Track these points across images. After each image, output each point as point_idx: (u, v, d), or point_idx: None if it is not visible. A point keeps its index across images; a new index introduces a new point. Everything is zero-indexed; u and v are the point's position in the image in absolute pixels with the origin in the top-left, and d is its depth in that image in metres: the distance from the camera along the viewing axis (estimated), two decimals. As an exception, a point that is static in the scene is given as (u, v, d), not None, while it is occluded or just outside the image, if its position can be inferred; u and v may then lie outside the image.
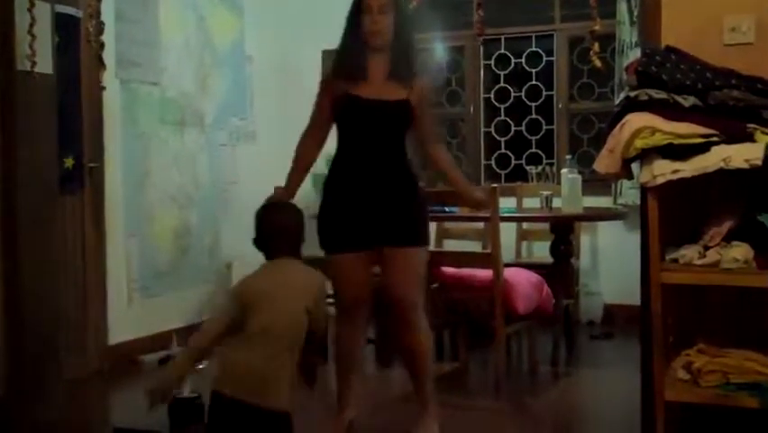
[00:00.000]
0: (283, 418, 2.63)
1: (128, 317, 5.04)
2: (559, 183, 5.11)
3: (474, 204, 3.71)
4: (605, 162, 2.74)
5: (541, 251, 5.62)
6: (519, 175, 6.40)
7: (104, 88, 4.59)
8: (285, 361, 2.62)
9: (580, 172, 5.01)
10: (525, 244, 6.04)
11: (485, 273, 4.41)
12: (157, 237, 5.33)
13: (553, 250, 5.00)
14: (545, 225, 5.30)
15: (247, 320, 2.62)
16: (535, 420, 3.98)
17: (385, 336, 4.07)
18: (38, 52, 3.71)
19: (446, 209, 4.90)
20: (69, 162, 4.56)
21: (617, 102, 2.90)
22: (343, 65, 3.46)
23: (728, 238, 2.62)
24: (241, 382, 2.59)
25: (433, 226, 5.55)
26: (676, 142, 2.55)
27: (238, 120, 6.11)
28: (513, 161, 6.57)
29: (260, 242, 2.80)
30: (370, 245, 3.42)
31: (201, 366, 4.01)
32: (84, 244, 4.77)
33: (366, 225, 3.41)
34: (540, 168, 6.11)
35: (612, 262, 5.85)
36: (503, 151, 6.60)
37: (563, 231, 5.00)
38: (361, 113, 3.44)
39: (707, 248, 2.63)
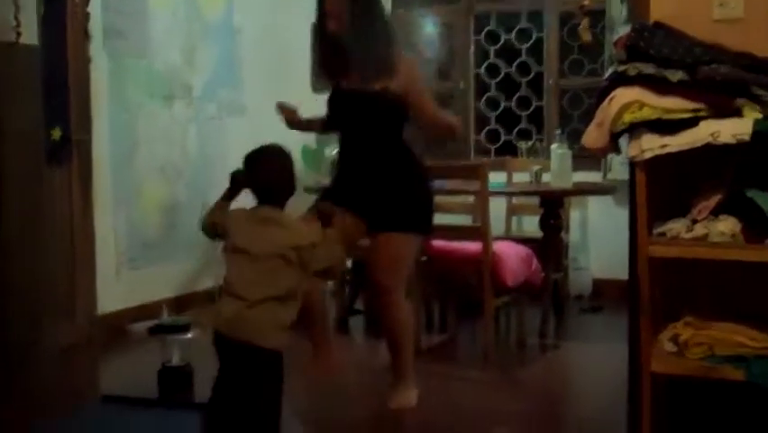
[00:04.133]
0: (272, 356, 2.62)
1: (117, 287, 5.05)
2: (549, 158, 5.12)
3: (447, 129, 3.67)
4: (593, 136, 2.74)
5: (530, 225, 5.64)
6: (509, 150, 6.41)
7: (90, 60, 4.56)
8: (273, 306, 2.61)
9: (569, 148, 5.02)
10: (514, 218, 6.06)
11: (474, 246, 4.43)
12: (145, 210, 5.32)
13: (543, 224, 5.02)
14: (535, 200, 5.32)
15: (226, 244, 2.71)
16: (523, 391, 4.02)
17: (372, 308, 4.12)
18: (23, 23, 3.68)
19: (435, 183, 4.89)
20: (56, 134, 4.55)
21: (605, 76, 2.90)
22: (317, 57, 3.50)
23: (716, 212, 2.63)
24: (230, 322, 2.60)
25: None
26: (664, 116, 2.55)
27: (227, 93, 6.08)
28: (503, 137, 6.57)
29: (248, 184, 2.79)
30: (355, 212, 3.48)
31: (189, 335, 4.05)
32: (72, 216, 4.76)
33: (352, 196, 3.49)
34: (530, 143, 6.11)
35: (601, 237, 5.88)
36: (493, 126, 6.60)
37: (553, 205, 5.01)
38: (343, 105, 3.49)
39: (694, 222, 2.64)
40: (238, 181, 2.85)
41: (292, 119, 3.67)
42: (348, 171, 3.60)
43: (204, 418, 2.70)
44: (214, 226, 2.84)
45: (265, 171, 2.76)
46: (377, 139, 3.51)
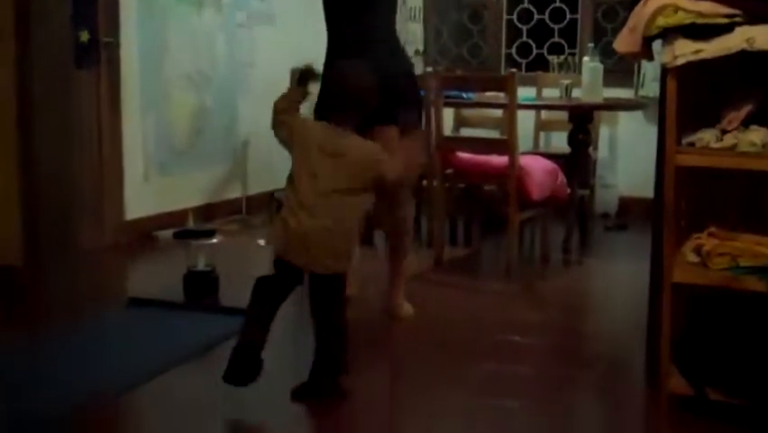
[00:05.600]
0: (329, 279, 2.71)
1: (145, 193, 5.09)
2: (580, 74, 5.03)
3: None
4: (625, 41, 2.69)
5: (559, 142, 5.58)
6: (541, 65, 6.30)
7: (118, -39, 4.51)
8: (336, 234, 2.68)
9: (602, 62, 4.93)
10: (543, 134, 6.00)
11: (500, 160, 4.40)
12: (173, 116, 5.32)
13: (571, 139, 4.96)
14: (564, 116, 5.25)
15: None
16: (543, 303, 4.04)
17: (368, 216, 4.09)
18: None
19: (464, 95, 4.85)
20: (84, 36, 4.54)
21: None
22: None
23: (747, 123, 2.58)
24: (290, 246, 2.67)
25: (449, 114, 5.52)
26: (699, 21, 2.48)
27: (256, 1, 6.01)
28: (534, 50, 6.46)
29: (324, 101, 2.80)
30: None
31: (214, 240, 4.09)
32: (100, 121, 4.78)
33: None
34: (562, 57, 5.99)
35: (630, 154, 5.80)
36: (525, 39, 6.48)
37: (582, 120, 4.94)
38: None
39: (724, 132, 2.59)
40: (306, 79, 2.81)
41: None
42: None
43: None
44: (283, 126, 2.79)
45: (353, 87, 2.76)
46: (371, 30, 3.45)
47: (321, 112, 3.15)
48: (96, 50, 4.63)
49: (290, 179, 2.74)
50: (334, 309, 2.75)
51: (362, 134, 3.07)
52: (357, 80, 2.80)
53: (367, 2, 3.44)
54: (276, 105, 2.80)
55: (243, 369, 2.69)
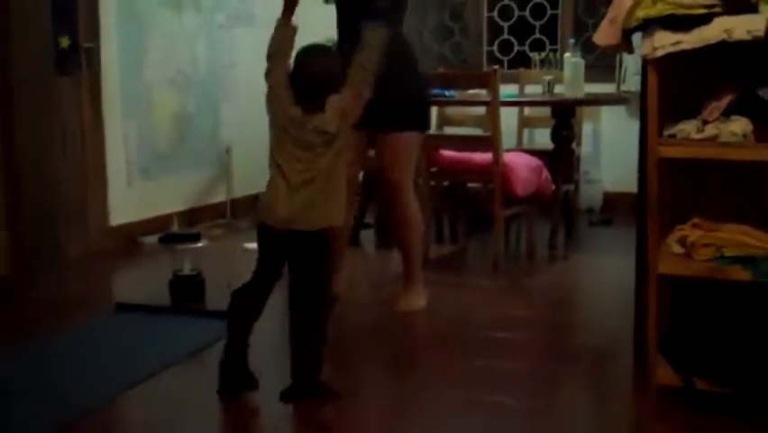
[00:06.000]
0: (316, 236, 2.68)
1: (128, 198, 5.07)
2: (562, 69, 5.05)
3: None
4: (605, 34, 2.70)
5: (542, 138, 5.60)
6: (522, 61, 6.32)
7: (97, -34, 4.49)
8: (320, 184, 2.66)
9: (583, 58, 4.95)
10: (526, 131, 6.01)
11: (484, 157, 4.41)
12: (155, 120, 5.30)
13: (554, 135, 4.98)
14: (547, 112, 5.26)
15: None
16: (530, 298, 4.04)
17: (383, 219, 4.14)
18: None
19: (446, 93, 4.85)
20: (65, 42, 4.52)
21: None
22: None
23: (728, 113, 2.60)
24: (278, 201, 2.65)
25: (432, 112, 5.50)
26: (678, 12, 2.50)
27: (236, 2, 6.00)
28: (516, 47, 6.47)
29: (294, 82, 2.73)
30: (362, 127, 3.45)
31: (200, 244, 4.07)
32: (82, 126, 4.76)
33: None
34: (543, 54, 6.02)
35: (614, 150, 5.82)
36: (506, 36, 6.50)
37: (564, 116, 4.96)
38: None
39: (705, 123, 2.61)
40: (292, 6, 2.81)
41: None
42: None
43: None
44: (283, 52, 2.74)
45: (317, 70, 2.69)
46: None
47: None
48: (76, 55, 4.61)
49: (272, 146, 2.72)
50: (318, 290, 2.71)
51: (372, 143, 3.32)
52: (318, 63, 2.72)
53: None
54: (268, 50, 2.75)
55: (234, 381, 2.74)
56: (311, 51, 2.71)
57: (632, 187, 3.08)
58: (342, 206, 2.74)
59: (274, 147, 2.70)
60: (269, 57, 2.74)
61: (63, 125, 4.57)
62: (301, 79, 2.67)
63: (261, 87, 2.74)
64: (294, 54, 2.72)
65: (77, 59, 4.63)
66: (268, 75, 2.74)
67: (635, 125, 2.99)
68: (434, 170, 4.66)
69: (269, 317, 2.82)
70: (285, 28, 2.79)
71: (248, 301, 2.76)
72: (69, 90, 4.65)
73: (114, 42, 4.94)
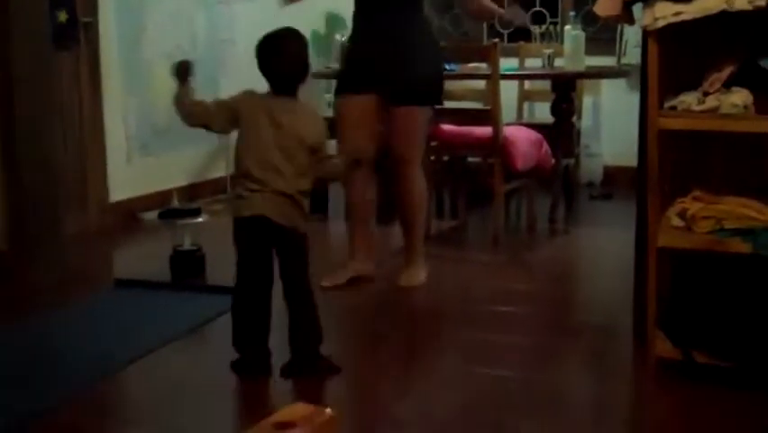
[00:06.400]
0: (297, 236, 2.71)
1: (128, 174, 5.05)
2: (563, 43, 5.01)
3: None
4: (606, 4, 2.67)
5: (543, 112, 5.57)
6: (523, 35, 6.26)
7: (95, -62, 4.46)
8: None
9: (584, 30, 4.91)
10: (526, 104, 5.98)
11: (484, 130, 4.39)
12: (154, 95, 5.27)
13: (554, 109, 4.96)
14: (547, 86, 5.23)
15: (240, 133, 2.77)
16: (531, 272, 4.05)
17: (385, 195, 4.13)
18: None
19: (446, 67, 4.81)
20: (63, 16, 4.49)
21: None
22: None
23: (729, 84, 2.58)
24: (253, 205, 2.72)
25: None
26: (679, -18, 2.48)
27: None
28: (516, 21, 6.42)
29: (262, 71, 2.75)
30: (369, 89, 3.55)
31: (200, 219, 4.07)
32: (81, 102, 4.73)
33: (367, 70, 3.57)
34: (544, 27, 5.98)
35: (614, 123, 5.79)
36: (506, 10, 6.45)
37: (565, 90, 4.94)
38: None
39: (706, 94, 2.59)
40: (185, 73, 2.84)
41: None
42: (364, 47, 3.61)
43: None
44: (194, 116, 2.83)
45: (280, 58, 2.70)
46: (398, 11, 3.53)
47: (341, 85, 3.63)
48: (74, 30, 4.58)
49: (238, 155, 2.78)
50: (303, 273, 2.73)
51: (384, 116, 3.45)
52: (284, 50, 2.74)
53: None
54: (177, 104, 2.82)
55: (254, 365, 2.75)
56: (272, 41, 2.74)
57: (632, 161, 3.07)
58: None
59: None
60: (198, 126, 2.83)
61: (62, 101, 4.55)
62: (271, 69, 2.70)
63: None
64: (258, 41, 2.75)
65: (76, 34, 4.60)
66: (212, 129, 2.86)
67: (635, 99, 2.97)
68: (434, 144, 4.64)
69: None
70: (183, 96, 2.83)
71: (252, 309, 2.75)
72: (68, 65, 4.62)
73: (112, 17, 4.90)
